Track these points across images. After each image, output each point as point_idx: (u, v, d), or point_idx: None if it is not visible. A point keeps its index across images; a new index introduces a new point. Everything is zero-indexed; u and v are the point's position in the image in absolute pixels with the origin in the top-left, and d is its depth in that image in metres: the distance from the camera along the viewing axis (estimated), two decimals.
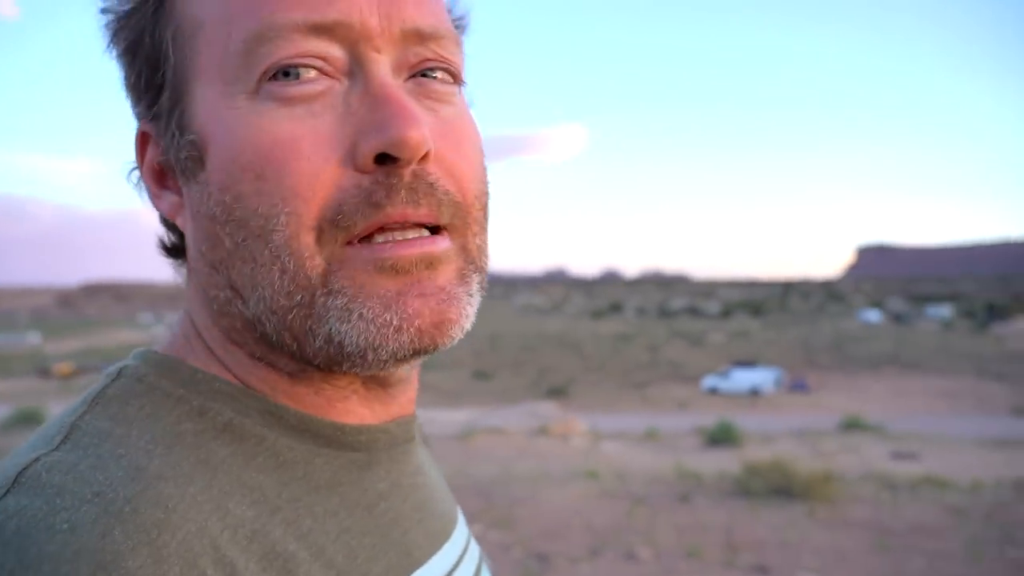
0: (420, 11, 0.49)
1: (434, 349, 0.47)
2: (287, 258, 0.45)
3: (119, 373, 0.51)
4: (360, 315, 0.45)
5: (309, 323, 0.46)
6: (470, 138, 0.51)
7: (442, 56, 0.50)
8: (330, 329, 0.46)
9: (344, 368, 0.48)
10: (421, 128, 0.45)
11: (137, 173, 0.54)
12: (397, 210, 0.45)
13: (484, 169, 0.53)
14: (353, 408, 0.54)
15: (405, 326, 0.45)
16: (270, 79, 0.46)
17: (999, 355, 54.24)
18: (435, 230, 0.48)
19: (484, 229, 0.52)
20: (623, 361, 54.69)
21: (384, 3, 0.48)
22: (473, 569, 0.61)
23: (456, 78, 0.52)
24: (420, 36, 0.49)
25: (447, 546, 0.58)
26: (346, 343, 0.46)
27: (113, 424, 0.46)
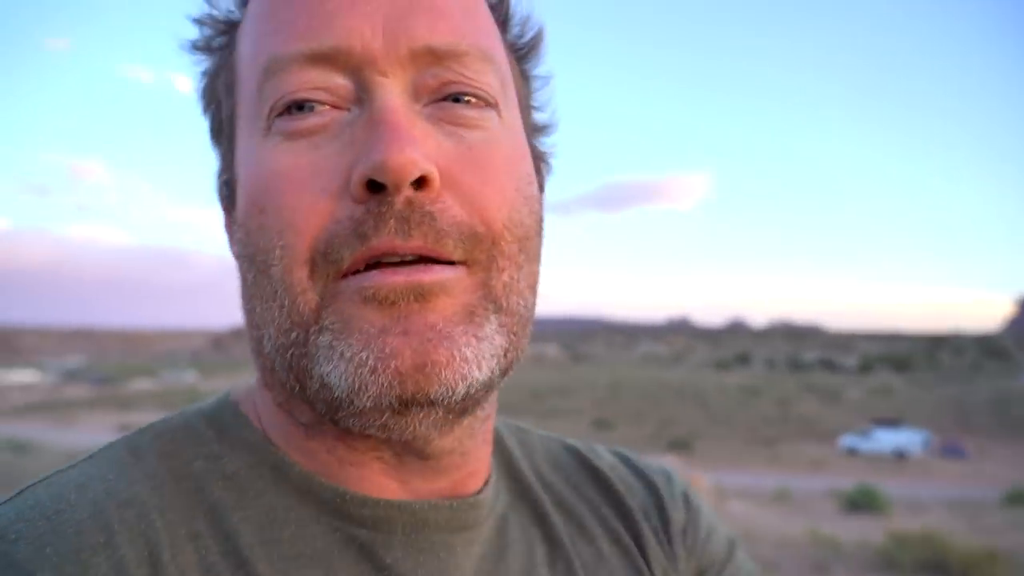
0: (434, 28, 0.45)
1: (425, 398, 0.41)
2: (283, 293, 0.43)
3: (181, 410, 0.53)
4: (341, 353, 0.42)
5: (304, 362, 0.43)
6: (501, 165, 0.46)
7: (465, 77, 0.46)
8: (320, 370, 0.42)
9: (339, 417, 0.44)
10: (406, 150, 0.41)
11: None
12: (383, 241, 0.42)
13: (523, 199, 0.47)
14: (373, 476, 0.48)
15: (380, 367, 0.41)
16: (279, 114, 0.45)
17: None
18: (452, 264, 0.43)
19: (517, 265, 0.46)
20: (750, 415, 52.05)
21: (391, 21, 0.44)
22: None
23: (487, 101, 0.47)
24: (434, 55, 0.45)
25: None
26: (333, 386, 0.42)
27: (128, 452, 0.47)
